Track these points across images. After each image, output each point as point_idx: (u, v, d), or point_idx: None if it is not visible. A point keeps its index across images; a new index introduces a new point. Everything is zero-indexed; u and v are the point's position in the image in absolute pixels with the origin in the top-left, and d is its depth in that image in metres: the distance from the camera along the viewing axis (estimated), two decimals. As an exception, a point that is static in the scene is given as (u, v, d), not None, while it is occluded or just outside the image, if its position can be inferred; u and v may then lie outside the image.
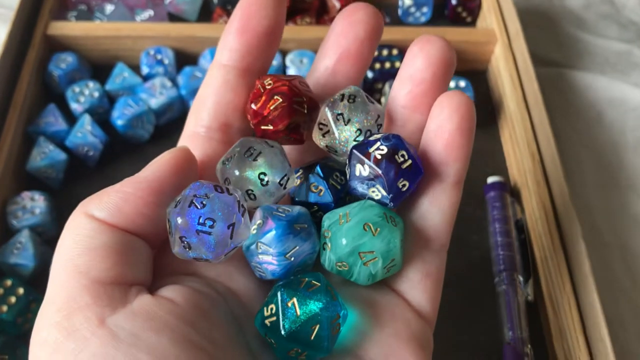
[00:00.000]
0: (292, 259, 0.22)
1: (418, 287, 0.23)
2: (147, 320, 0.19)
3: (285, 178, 0.23)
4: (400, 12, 0.54)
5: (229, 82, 0.24)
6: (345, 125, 0.24)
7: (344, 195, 0.24)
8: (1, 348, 0.34)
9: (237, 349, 0.20)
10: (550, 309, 0.38)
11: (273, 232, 0.21)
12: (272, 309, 0.20)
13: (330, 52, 0.25)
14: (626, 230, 0.45)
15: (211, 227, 0.20)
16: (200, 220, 0.20)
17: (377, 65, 0.47)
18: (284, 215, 0.22)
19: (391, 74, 0.47)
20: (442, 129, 0.23)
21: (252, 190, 0.22)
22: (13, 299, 0.35)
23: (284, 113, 0.23)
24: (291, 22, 0.50)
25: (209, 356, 0.19)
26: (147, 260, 0.21)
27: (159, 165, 0.21)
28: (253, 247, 0.22)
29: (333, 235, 0.22)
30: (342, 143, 0.24)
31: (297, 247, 0.22)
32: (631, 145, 0.50)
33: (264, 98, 0.23)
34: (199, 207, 0.20)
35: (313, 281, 0.21)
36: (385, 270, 0.22)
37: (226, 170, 0.22)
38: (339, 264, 0.22)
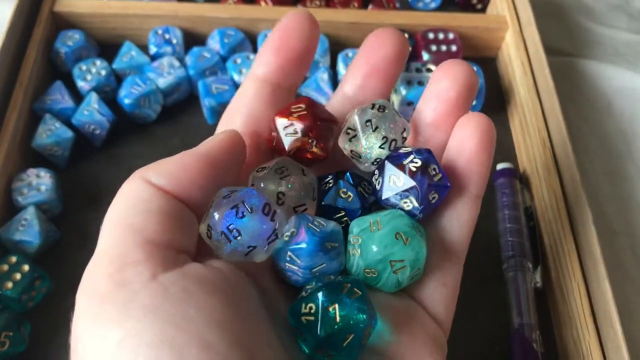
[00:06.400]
0: (317, 274, 0.22)
1: (435, 295, 0.24)
2: (199, 281, 0.19)
3: (303, 207, 0.23)
4: (410, -3, 0.53)
5: (261, 95, 0.26)
6: (373, 131, 0.25)
7: (370, 204, 0.25)
8: (5, 325, 0.34)
9: (273, 326, 0.21)
10: (559, 296, 0.38)
11: (304, 246, 0.22)
12: (311, 307, 0.21)
13: (360, 68, 0.27)
14: (635, 219, 0.45)
15: (235, 237, 0.21)
16: (230, 227, 0.21)
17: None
18: (318, 230, 0.22)
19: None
20: (464, 145, 0.25)
21: None
22: (18, 276, 0.35)
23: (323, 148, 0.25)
24: (301, 4, 0.50)
25: (255, 323, 0.19)
26: (194, 231, 0.22)
27: (215, 142, 0.22)
28: (282, 253, 0.22)
29: (364, 242, 0.23)
30: (367, 149, 0.25)
31: (324, 265, 0.22)
32: (641, 135, 0.49)
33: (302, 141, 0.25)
34: (238, 216, 0.21)
35: (355, 289, 0.21)
36: (410, 278, 0.23)
37: (256, 178, 0.23)
38: (368, 270, 0.23)
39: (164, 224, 0.20)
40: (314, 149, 0.25)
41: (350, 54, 0.47)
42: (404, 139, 0.25)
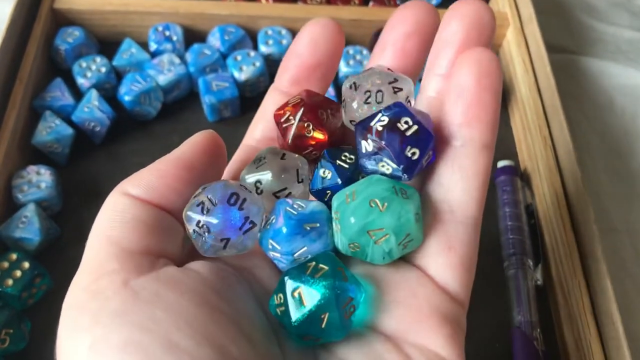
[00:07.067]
0: (301, 258, 0.21)
1: (440, 262, 0.22)
2: (170, 283, 0.19)
3: (284, 192, 0.23)
4: (411, -6, 0.53)
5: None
6: (356, 90, 0.23)
7: (356, 174, 0.23)
8: (6, 322, 0.34)
9: (258, 320, 0.21)
10: (560, 294, 0.38)
11: (281, 232, 0.21)
12: (280, 298, 0.20)
13: (382, 47, 0.25)
14: (636, 216, 0.45)
15: (205, 233, 0.21)
16: (199, 225, 0.21)
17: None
18: (295, 213, 0.21)
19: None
20: (463, 87, 0.22)
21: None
22: (18, 273, 0.35)
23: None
24: (301, 1, 0.50)
25: (229, 319, 0.19)
26: (177, 236, 0.22)
27: (190, 145, 0.22)
28: (265, 241, 0.22)
29: (341, 216, 0.21)
30: (356, 111, 0.23)
31: (306, 248, 0.21)
32: (642, 132, 0.49)
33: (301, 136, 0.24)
34: (204, 212, 0.21)
35: (320, 265, 0.20)
36: (401, 246, 0.21)
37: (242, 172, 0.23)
38: (351, 245, 0.21)
39: (139, 232, 0.20)
40: (314, 133, 0.24)
41: (351, 51, 0.47)
42: (397, 89, 0.23)
